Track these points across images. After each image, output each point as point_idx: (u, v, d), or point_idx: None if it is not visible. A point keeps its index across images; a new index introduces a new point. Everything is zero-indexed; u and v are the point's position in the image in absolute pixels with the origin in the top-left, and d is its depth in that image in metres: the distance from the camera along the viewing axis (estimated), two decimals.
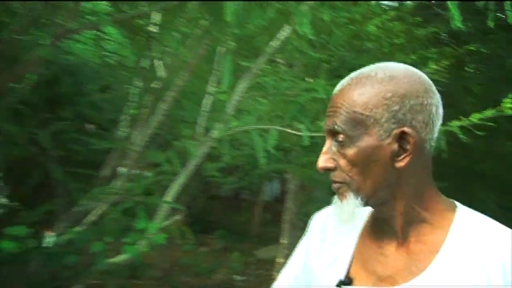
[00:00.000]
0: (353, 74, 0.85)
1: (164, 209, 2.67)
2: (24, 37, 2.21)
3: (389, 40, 3.08)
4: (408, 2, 3.80)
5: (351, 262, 0.92)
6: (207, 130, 2.71)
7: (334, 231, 0.97)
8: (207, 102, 2.86)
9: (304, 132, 2.43)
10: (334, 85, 2.31)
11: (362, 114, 0.81)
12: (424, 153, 0.82)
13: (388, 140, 0.80)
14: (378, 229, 0.89)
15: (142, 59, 3.13)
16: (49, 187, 3.18)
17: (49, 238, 2.75)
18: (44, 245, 2.70)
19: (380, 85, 0.80)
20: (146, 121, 2.97)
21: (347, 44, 3.04)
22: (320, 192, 5.72)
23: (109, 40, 3.38)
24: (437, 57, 3.17)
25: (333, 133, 0.84)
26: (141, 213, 2.57)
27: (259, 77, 2.98)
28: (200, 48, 2.72)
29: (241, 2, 1.99)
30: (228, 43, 2.32)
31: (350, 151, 0.82)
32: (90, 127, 3.54)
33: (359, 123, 0.81)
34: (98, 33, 2.93)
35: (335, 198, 0.87)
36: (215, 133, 2.61)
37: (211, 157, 3.26)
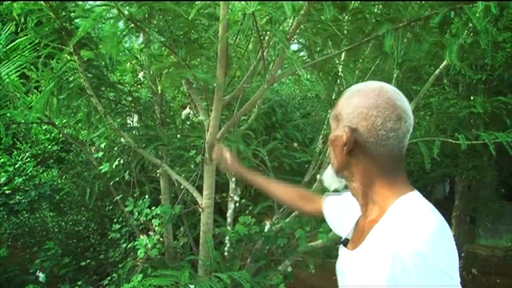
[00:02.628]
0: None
1: None
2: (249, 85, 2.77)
3: None
4: None
5: (354, 228, 1.08)
6: None
7: (355, 204, 1.09)
8: None
9: (462, 141, 2.62)
10: (493, 102, 2.99)
11: (337, 111, 0.99)
12: (368, 150, 0.93)
13: (343, 133, 0.95)
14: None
15: (331, 92, 3.39)
16: None
17: (268, 226, 3.18)
18: (264, 230, 3.15)
19: (349, 95, 0.98)
20: None
21: (505, 64, 3.02)
22: (485, 191, 5.50)
23: (306, 80, 3.94)
24: None
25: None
26: None
27: (426, 98, 3.29)
28: (374, 79, 3.15)
29: (396, 35, 2.24)
30: (393, 72, 2.81)
31: (331, 136, 1.02)
32: (295, 144, 3.77)
33: (335, 118, 1.00)
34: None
35: None
36: None
37: None
